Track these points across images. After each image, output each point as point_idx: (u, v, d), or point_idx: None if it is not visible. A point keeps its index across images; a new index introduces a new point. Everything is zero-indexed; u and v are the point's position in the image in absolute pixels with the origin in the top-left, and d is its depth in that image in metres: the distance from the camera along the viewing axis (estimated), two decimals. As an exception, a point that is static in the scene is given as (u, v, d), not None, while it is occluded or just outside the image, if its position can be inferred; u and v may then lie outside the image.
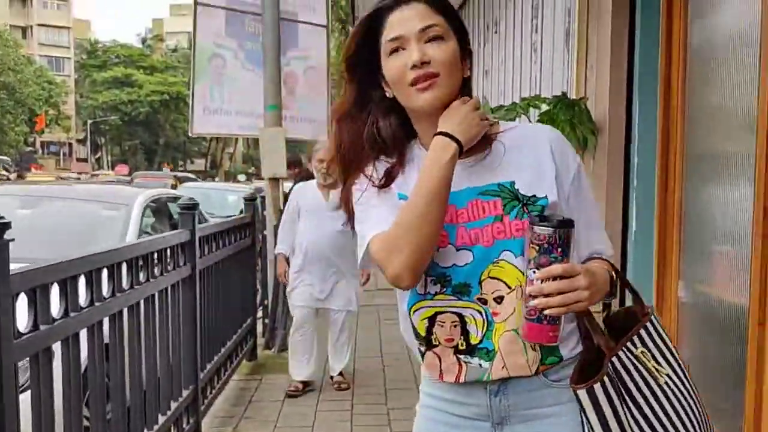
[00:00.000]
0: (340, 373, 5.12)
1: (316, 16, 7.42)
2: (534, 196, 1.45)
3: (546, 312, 1.34)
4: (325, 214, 4.84)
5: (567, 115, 3.13)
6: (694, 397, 1.52)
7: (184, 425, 3.59)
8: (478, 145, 1.47)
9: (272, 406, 4.60)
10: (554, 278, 1.33)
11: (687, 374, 1.53)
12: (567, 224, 1.36)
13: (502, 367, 1.47)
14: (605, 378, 1.40)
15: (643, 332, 1.51)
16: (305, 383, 4.99)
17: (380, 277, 11.52)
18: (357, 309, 5.23)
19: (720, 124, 2.84)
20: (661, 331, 1.54)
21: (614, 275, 1.50)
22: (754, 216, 2.43)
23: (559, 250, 1.34)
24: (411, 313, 1.52)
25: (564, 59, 3.83)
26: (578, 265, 1.39)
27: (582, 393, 1.40)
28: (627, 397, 1.43)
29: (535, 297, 1.35)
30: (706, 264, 2.91)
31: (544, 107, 3.28)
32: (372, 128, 1.53)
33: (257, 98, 6.53)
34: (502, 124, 1.55)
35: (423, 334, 1.52)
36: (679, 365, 1.53)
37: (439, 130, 1.43)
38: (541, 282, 1.34)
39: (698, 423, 1.50)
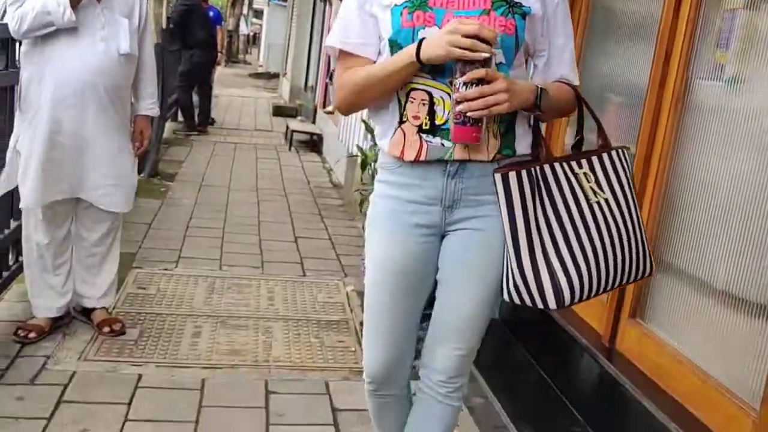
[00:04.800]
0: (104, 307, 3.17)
1: None
2: (520, 3, 1.57)
3: (468, 114, 1.49)
4: (101, 20, 2.76)
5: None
6: (630, 227, 1.66)
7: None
8: None
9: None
10: (477, 84, 1.48)
11: (633, 209, 1.68)
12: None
13: (465, 147, 1.59)
14: (523, 173, 1.55)
15: (595, 159, 1.66)
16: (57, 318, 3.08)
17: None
18: (130, 206, 3.04)
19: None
20: (620, 167, 1.68)
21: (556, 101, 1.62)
22: (654, 63, 2.49)
23: (481, 64, 1.48)
24: None
25: None
26: (499, 72, 1.52)
27: (497, 176, 1.55)
28: (546, 197, 1.57)
29: (460, 103, 1.50)
30: (599, 112, 2.99)
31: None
32: None
33: None
34: None
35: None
36: (626, 200, 1.67)
37: (420, 39, 1.53)
38: (466, 88, 1.48)
39: (621, 246, 1.63)
